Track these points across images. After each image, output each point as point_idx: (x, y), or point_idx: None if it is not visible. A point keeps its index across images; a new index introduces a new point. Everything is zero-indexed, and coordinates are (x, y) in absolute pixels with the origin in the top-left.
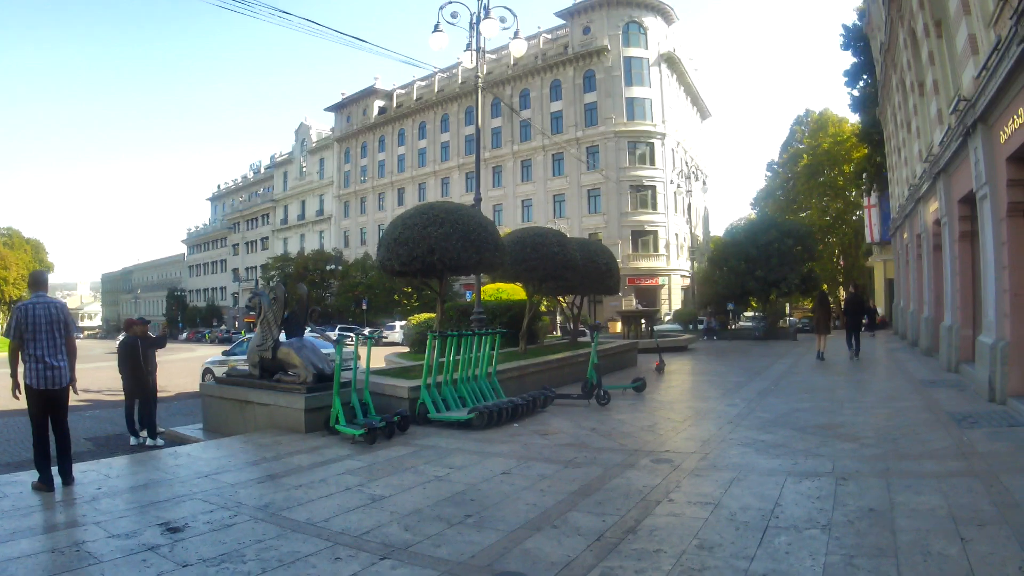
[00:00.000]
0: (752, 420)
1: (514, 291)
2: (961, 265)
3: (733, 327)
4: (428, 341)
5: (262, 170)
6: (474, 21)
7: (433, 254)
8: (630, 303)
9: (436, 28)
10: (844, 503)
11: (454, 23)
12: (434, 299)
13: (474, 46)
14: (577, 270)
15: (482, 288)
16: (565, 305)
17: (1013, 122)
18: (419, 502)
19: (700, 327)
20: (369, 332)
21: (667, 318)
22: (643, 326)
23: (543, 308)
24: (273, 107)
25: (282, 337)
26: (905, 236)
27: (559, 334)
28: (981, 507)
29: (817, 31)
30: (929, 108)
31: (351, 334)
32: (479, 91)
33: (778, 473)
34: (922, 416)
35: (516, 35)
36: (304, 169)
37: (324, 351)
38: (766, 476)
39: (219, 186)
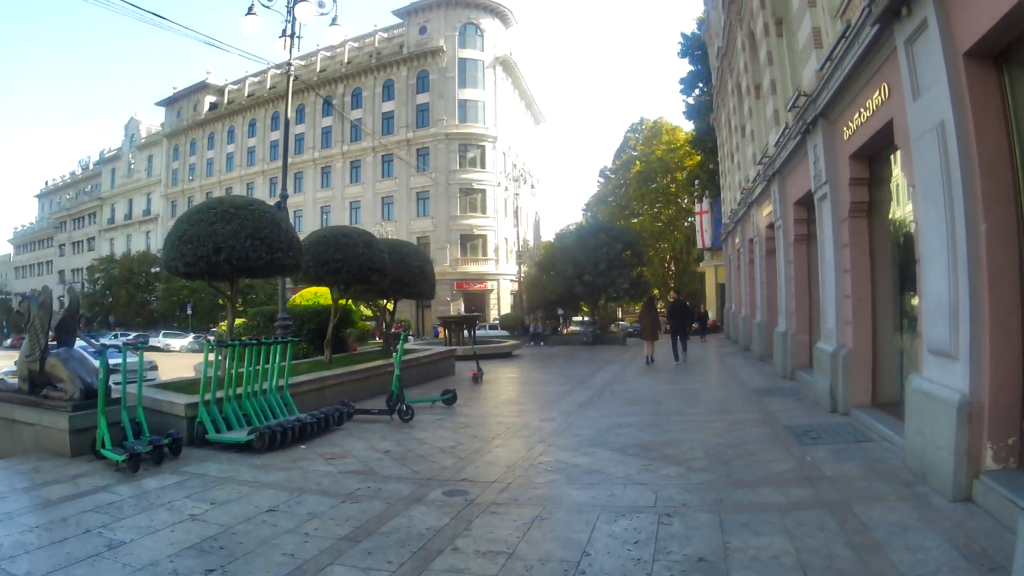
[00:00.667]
0: (568, 438)
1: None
2: (796, 269)
3: (565, 332)
4: (205, 351)
5: (91, 166)
6: (290, 4)
7: (219, 253)
8: (459, 308)
9: (250, 10)
10: (668, 549)
11: (269, 6)
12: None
13: (289, 31)
14: (386, 273)
15: (302, 292)
16: (391, 309)
17: (859, 116)
18: (161, 551)
19: (529, 332)
20: (139, 340)
21: (494, 324)
22: (464, 332)
23: (369, 313)
24: (109, 98)
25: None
26: (737, 241)
27: (380, 341)
28: (836, 551)
29: (655, 42)
30: (765, 109)
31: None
32: (290, 81)
33: (590, 508)
34: (758, 431)
35: (335, 21)
36: (132, 166)
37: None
38: (576, 513)
39: (47, 182)
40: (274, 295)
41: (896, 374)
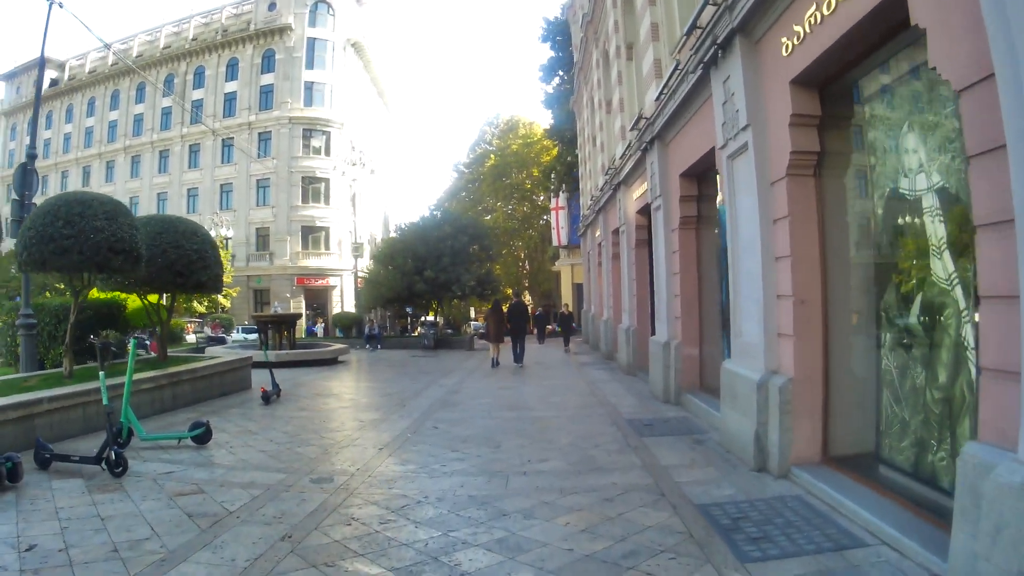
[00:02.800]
0: (335, 532)
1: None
2: (683, 264)
3: (416, 333)
4: None
5: None
6: None
7: None
8: (300, 305)
9: None
10: None
11: None
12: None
13: None
14: (136, 256)
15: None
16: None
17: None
18: None
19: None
20: None
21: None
22: (283, 335)
23: (202, 308)
24: None
25: None
26: (598, 233)
27: (196, 342)
28: None
29: (516, 33)
30: (614, 124)
31: None
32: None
33: None
34: (657, 522)
35: None
36: None
37: None
38: None
39: None
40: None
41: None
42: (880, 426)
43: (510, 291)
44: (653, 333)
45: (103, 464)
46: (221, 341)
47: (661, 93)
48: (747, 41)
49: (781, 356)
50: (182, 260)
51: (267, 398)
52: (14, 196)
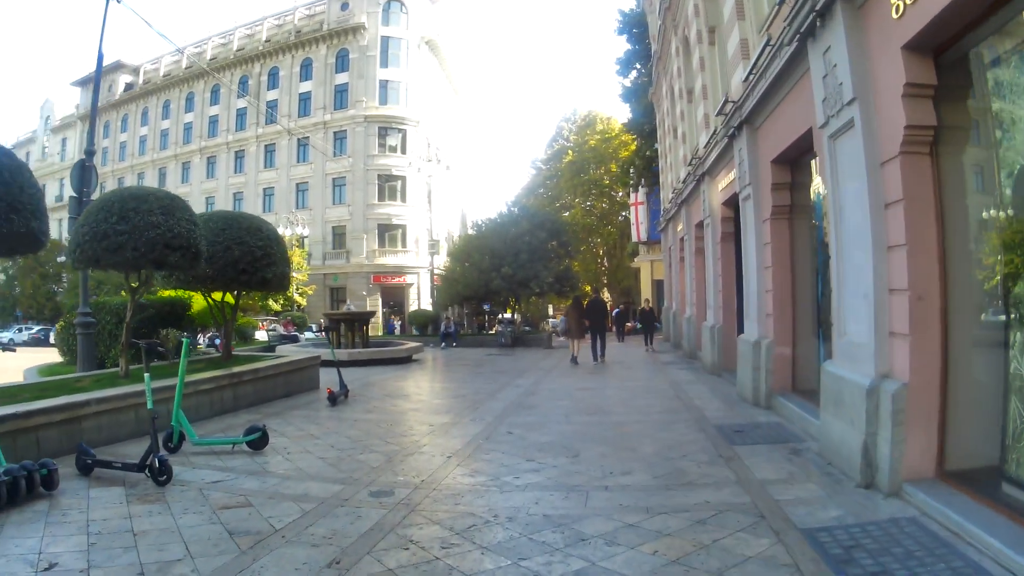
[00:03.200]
0: (384, 559)
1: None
2: (776, 259)
3: (494, 331)
4: None
5: None
6: None
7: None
8: (376, 303)
9: None
10: None
11: None
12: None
13: None
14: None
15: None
16: (231, 302)
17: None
18: None
19: (440, 332)
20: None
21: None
22: (355, 333)
23: (277, 307)
24: (28, 80)
25: None
26: (680, 228)
27: (267, 341)
28: None
29: (592, 28)
30: (696, 113)
31: None
32: None
33: None
34: (763, 550)
35: None
36: (47, 150)
37: None
38: None
39: None
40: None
41: None
42: (1006, 438)
43: (588, 288)
44: (741, 331)
45: (147, 471)
46: (294, 339)
47: (749, 74)
48: (850, 5)
49: (894, 358)
50: (246, 257)
51: (333, 399)
52: (72, 193)
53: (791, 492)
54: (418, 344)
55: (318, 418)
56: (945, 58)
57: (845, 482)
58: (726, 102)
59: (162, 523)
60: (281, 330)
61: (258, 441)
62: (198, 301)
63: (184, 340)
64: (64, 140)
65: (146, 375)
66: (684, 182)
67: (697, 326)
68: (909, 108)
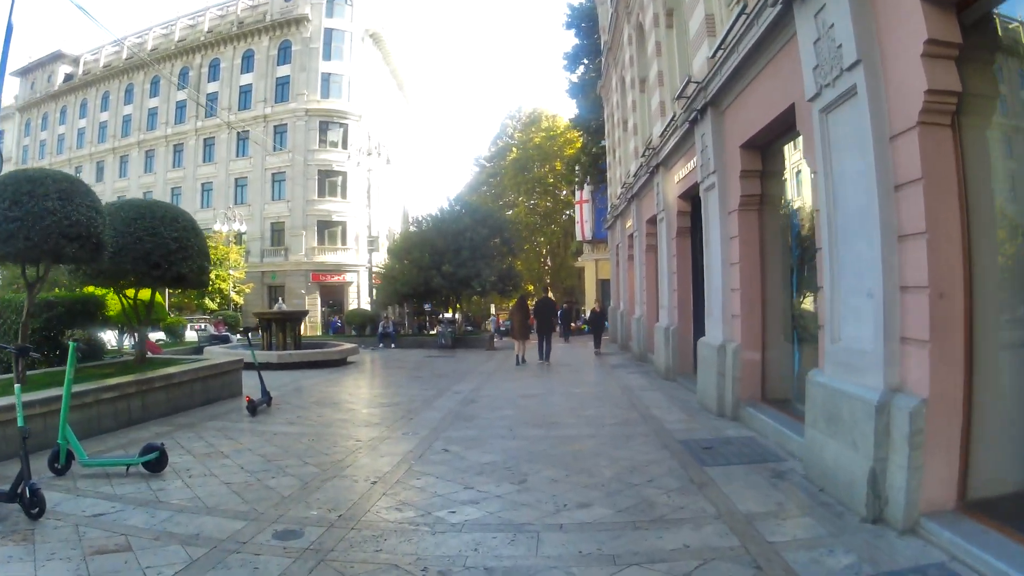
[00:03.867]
0: None
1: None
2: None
3: (434, 331)
4: None
5: None
6: None
7: None
8: (315, 302)
9: None
10: None
11: None
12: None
13: None
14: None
15: None
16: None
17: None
18: None
19: (378, 332)
20: None
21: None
22: (286, 334)
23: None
24: None
25: None
26: (629, 224)
27: (197, 342)
28: None
29: (539, 24)
30: (651, 102)
31: None
32: None
33: None
34: None
35: None
36: None
37: None
38: None
39: None
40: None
41: None
42: None
43: (531, 287)
44: (699, 333)
45: (19, 502)
46: (225, 340)
47: (717, 50)
48: None
49: (907, 369)
50: (159, 250)
51: (253, 409)
52: None
53: (786, 530)
54: (354, 345)
55: (234, 431)
56: (970, 13)
57: (846, 515)
58: (688, 83)
59: (17, 574)
60: (212, 330)
61: (156, 462)
62: (114, 299)
63: (71, 344)
64: (1, 132)
65: (16, 386)
66: (635, 175)
67: (648, 327)
68: (930, 70)
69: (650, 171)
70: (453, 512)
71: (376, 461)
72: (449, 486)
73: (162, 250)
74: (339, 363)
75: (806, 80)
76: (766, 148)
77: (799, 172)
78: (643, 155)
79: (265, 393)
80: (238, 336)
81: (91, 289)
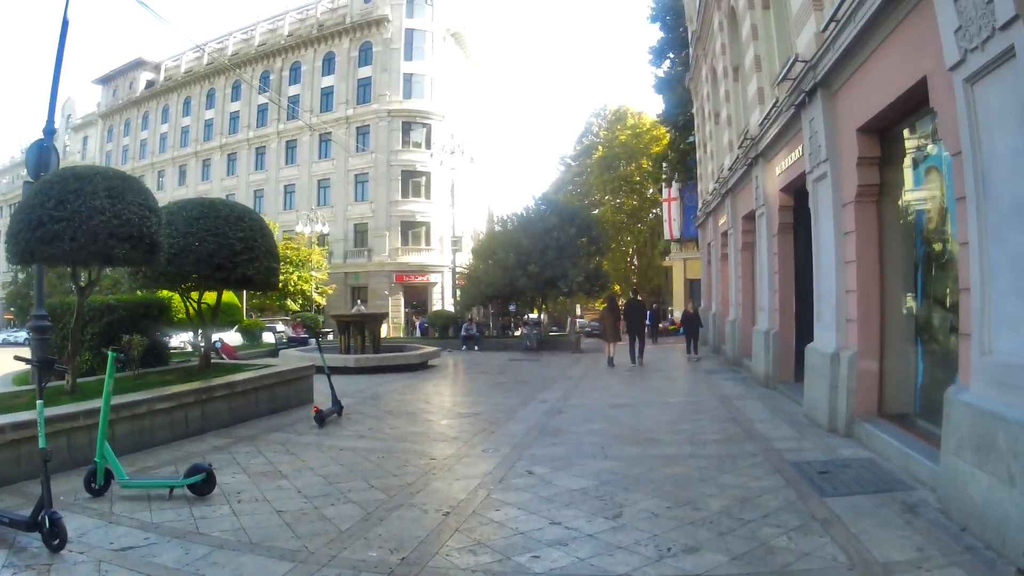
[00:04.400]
0: None
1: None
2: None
3: (518, 334)
4: None
5: None
6: None
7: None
8: (399, 303)
9: None
10: None
11: None
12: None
13: None
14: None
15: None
16: (210, 303)
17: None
18: None
19: (461, 334)
20: None
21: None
22: (364, 337)
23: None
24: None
25: None
26: (723, 221)
27: (275, 344)
28: None
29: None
30: (747, 89)
31: None
32: None
33: None
34: None
35: None
36: (68, 148)
37: None
38: None
39: None
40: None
41: None
42: None
43: (618, 288)
44: (801, 338)
45: (39, 531)
46: (304, 343)
47: (828, 24)
48: None
49: None
50: (223, 251)
51: (321, 419)
52: (27, 178)
53: None
54: (435, 349)
55: (297, 445)
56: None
57: (999, 565)
58: (793, 63)
59: None
60: (290, 332)
61: (202, 484)
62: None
63: (110, 355)
64: (85, 138)
65: (38, 402)
66: (730, 169)
67: (744, 330)
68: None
69: (747, 164)
70: (536, 557)
71: (450, 486)
72: (533, 520)
73: (226, 251)
74: (419, 367)
75: (945, 46)
76: (886, 131)
77: (927, 157)
78: (739, 147)
79: (335, 402)
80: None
81: (158, 292)
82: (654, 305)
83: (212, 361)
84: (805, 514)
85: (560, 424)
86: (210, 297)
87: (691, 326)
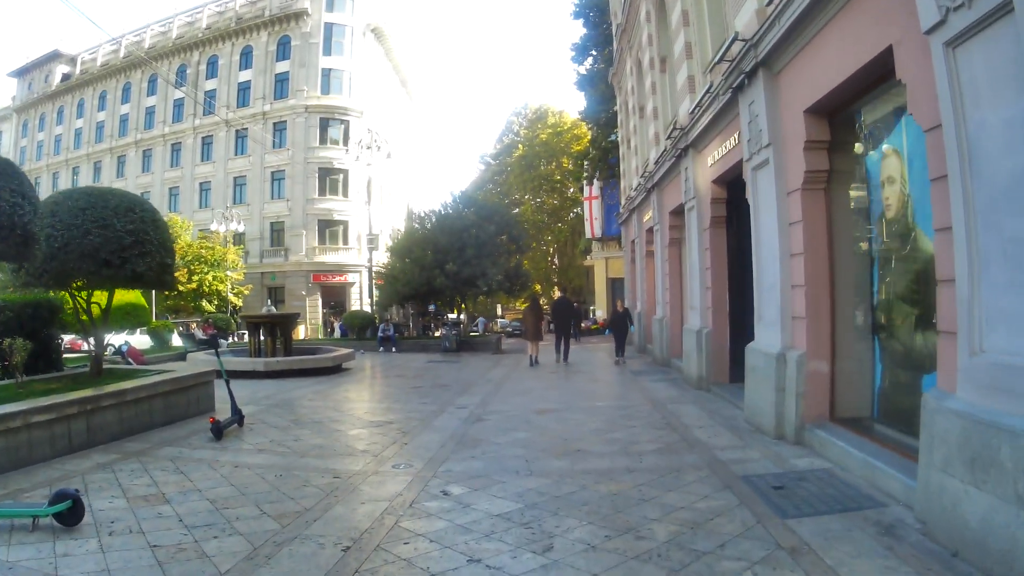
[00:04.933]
0: None
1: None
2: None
3: (439, 334)
4: None
5: None
6: None
7: None
8: (316, 303)
9: None
10: None
11: None
12: None
13: None
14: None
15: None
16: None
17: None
18: None
19: (378, 336)
20: None
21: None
22: (275, 340)
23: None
24: None
25: None
26: (648, 217)
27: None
28: None
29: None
30: (676, 80)
31: None
32: None
33: None
34: None
35: None
36: None
37: None
38: None
39: None
40: None
41: None
42: None
43: (538, 288)
44: (740, 338)
45: None
46: (214, 344)
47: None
48: None
49: None
50: (110, 244)
51: (219, 431)
52: None
53: None
54: (349, 351)
55: (188, 462)
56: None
57: None
58: (732, 43)
59: None
60: (200, 334)
61: (69, 513)
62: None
63: None
64: (0, 133)
65: None
66: (656, 163)
67: (672, 329)
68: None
69: (676, 155)
70: None
71: (354, 511)
72: (447, 557)
73: (114, 244)
74: (333, 371)
75: (921, 7)
76: (837, 112)
77: (886, 138)
78: (667, 138)
79: (235, 411)
80: (228, 340)
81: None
82: (575, 304)
83: (108, 366)
84: (768, 541)
85: (480, 433)
86: (103, 297)
87: (619, 326)
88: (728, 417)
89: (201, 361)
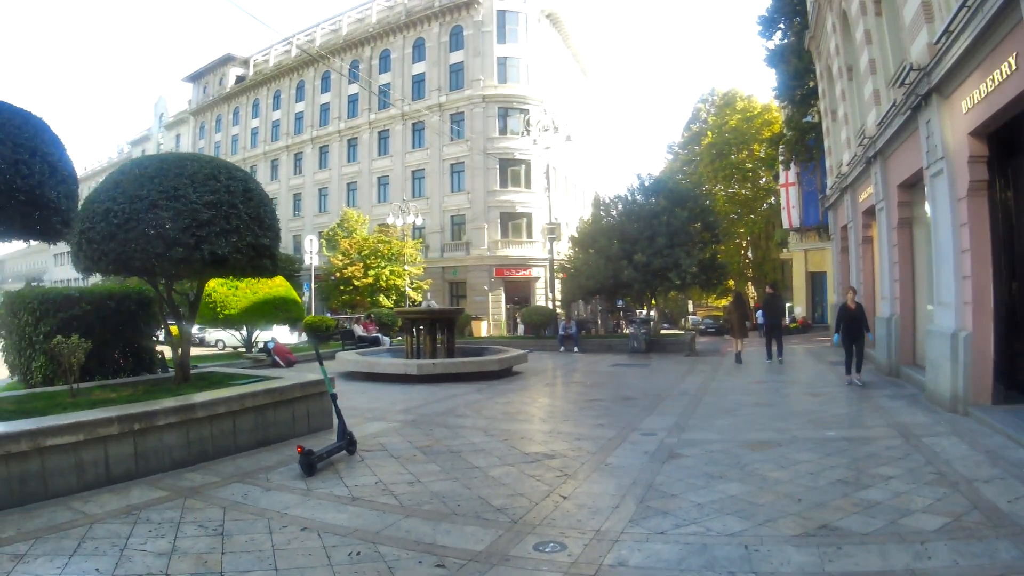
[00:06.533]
0: None
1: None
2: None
3: (629, 332)
4: None
5: (125, 150)
6: None
7: None
8: (499, 298)
9: None
10: None
11: None
12: None
13: None
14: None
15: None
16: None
17: None
18: None
19: (559, 335)
20: None
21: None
22: (435, 339)
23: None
24: (145, 78)
25: None
26: (867, 200)
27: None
28: None
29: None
30: (903, 16)
31: None
32: None
33: None
34: None
35: None
36: (161, 146)
37: None
38: None
39: (85, 169)
40: None
41: None
42: None
43: (731, 283)
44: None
45: None
46: (375, 342)
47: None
48: None
49: None
50: (181, 219)
51: (310, 466)
52: None
53: None
54: (522, 352)
55: (245, 512)
56: None
57: None
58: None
59: None
60: (360, 331)
61: None
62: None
63: None
64: (178, 136)
65: None
66: (880, 124)
67: (903, 330)
68: None
69: (912, 107)
70: None
71: None
72: None
73: (185, 220)
74: (500, 375)
75: None
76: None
77: None
78: (899, 85)
79: (343, 435)
80: (392, 339)
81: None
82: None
83: (230, 371)
84: None
85: (672, 483)
86: (211, 284)
87: (852, 331)
88: (1017, 463)
89: (349, 362)
